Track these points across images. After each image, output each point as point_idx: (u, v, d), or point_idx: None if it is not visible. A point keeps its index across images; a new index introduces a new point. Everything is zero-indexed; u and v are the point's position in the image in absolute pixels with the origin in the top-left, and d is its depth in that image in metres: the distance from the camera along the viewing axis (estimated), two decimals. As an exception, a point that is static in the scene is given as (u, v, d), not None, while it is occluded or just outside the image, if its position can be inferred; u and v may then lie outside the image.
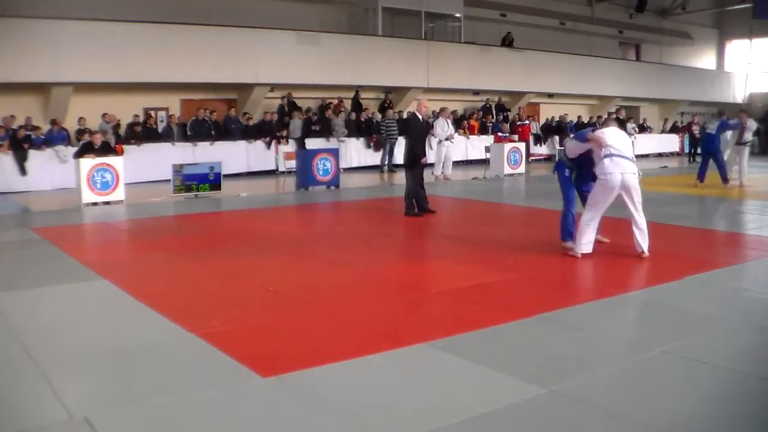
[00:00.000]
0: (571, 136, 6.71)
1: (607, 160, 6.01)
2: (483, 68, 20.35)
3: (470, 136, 19.30)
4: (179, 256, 6.73)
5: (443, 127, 14.50)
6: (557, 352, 3.78)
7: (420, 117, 9.50)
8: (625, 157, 6.06)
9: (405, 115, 17.87)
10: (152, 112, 15.62)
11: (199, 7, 16.34)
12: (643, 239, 6.20)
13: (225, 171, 12.68)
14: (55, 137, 13.63)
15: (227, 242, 7.53)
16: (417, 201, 9.27)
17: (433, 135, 14.10)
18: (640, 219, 6.17)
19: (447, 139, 14.52)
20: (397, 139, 16.47)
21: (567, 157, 6.67)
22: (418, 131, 9.39)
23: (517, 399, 3.13)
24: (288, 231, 8.40)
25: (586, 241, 6.26)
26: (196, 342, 3.97)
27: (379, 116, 18.05)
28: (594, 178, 6.31)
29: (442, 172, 14.63)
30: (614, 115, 14.71)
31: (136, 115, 15.00)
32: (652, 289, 5.13)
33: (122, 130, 14.68)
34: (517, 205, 11.07)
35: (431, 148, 14.23)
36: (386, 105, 18.54)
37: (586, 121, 22.94)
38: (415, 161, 9.26)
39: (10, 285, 5.39)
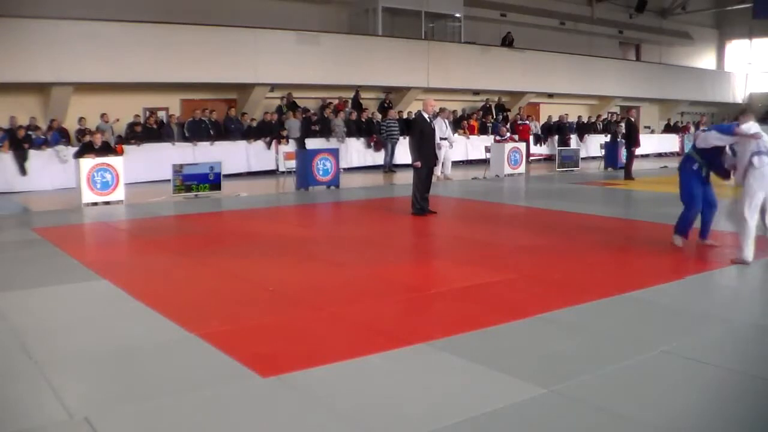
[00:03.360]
0: (704, 129, 6.60)
1: (756, 158, 5.84)
2: (483, 68, 20.35)
3: (470, 136, 19.31)
4: (179, 256, 6.73)
5: (441, 127, 14.47)
6: (557, 352, 3.78)
7: (427, 117, 9.44)
8: None
9: (406, 115, 17.91)
10: (154, 112, 15.59)
11: (199, 7, 16.34)
12: None
13: (225, 171, 12.66)
14: (50, 140, 13.61)
15: (227, 242, 7.53)
16: (419, 201, 9.25)
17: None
18: None
19: (444, 140, 14.49)
20: (398, 139, 16.45)
21: (696, 150, 6.51)
22: (425, 132, 9.29)
23: (517, 399, 3.13)
24: (288, 231, 8.40)
25: (752, 247, 5.89)
26: (196, 342, 3.97)
27: (379, 116, 18.04)
28: (725, 174, 6.35)
29: (442, 172, 14.61)
30: (627, 116, 14.88)
31: (137, 115, 15.00)
32: (652, 289, 5.12)
33: (123, 130, 14.69)
34: (517, 205, 11.06)
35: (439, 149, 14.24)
36: (386, 105, 18.53)
37: (586, 121, 22.98)
38: (415, 162, 9.24)
39: (10, 285, 5.39)
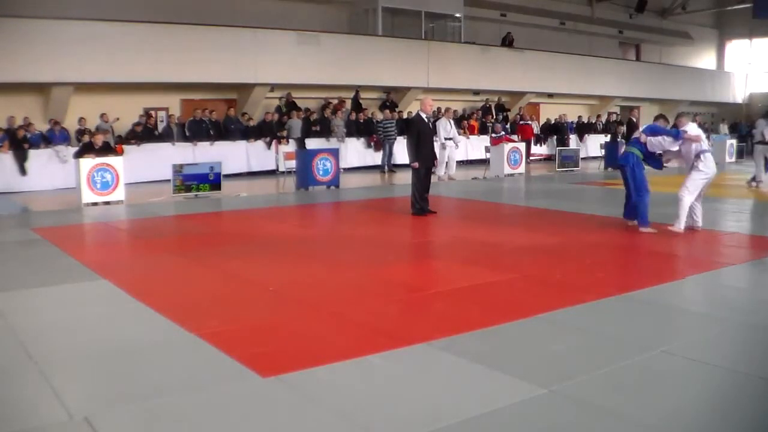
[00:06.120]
0: (656, 134, 7.70)
1: (708, 155, 7.31)
2: (483, 68, 20.36)
3: (470, 136, 19.32)
4: (179, 256, 6.73)
5: (445, 127, 14.46)
6: (557, 352, 3.78)
7: (425, 117, 9.37)
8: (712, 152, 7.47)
9: (405, 115, 17.93)
10: (152, 112, 15.62)
11: (199, 7, 16.36)
12: (699, 217, 7.56)
13: (225, 171, 12.68)
14: (57, 137, 13.64)
15: (227, 242, 7.53)
16: (418, 201, 9.24)
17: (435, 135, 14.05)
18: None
19: (450, 140, 14.47)
20: (395, 138, 16.45)
21: (642, 150, 7.67)
22: (423, 132, 9.23)
23: (517, 399, 3.13)
24: (288, 231, 8.40)
25: (685, 220, 7.36)
26: (196, 342, 3.97)
27: (379, 116, 18.05)
28: (658, 166, 7.89)
29: (446, 172, 14.59)
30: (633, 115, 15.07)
31: (141, 116, 15.01)
32: (652, 289, 5.12)
33: (124, 131, 14.70)
34: (517, 205, 11.07)
35: (444, 149, 14.25)
36: (387, 104, 18.52)
37: (585, 121, 23.00)
38: (412, 162, 9.23)
39: (10, 285, 5.39)
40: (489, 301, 4.93)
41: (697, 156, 7.31)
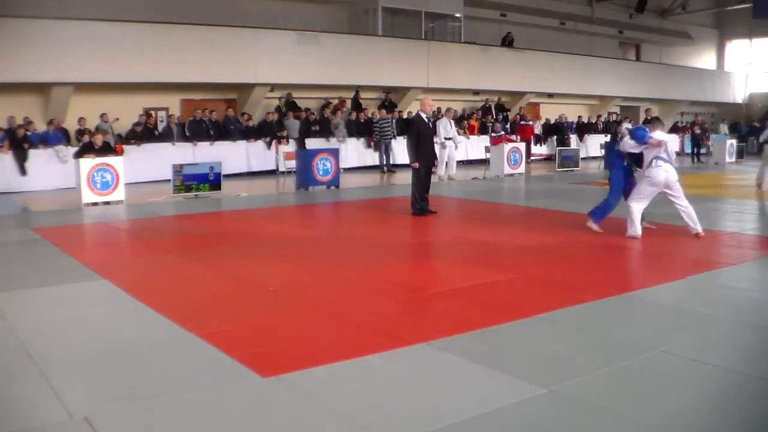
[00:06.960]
0: (628, 134, 7.72)
1: (660, 162, 7.10)
2: (483, 68, 20.36)
3: (470, 136, 19.32)
4: (179, 256, 6.73)
5: (446, 127, 14.46)
6: (557, 352, 3.78)
7: (425, 117, 9.34)
8: (668, 160, 7.18)
9: (405, 116, 17.92)
10: (152, 112, 15.62)
11: (199, 7, 16.36)
12: (692, 222, 7.24)
13: (225, 171, 12.68)
14: (51, 137, 13.64)
15: (227, 242, 7.53)
16: (418, 201, 9.24)
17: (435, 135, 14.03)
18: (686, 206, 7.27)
19: (449, 140, 14.47)
20: (391, 138, 16.45)
21: (624, 151, 7.64)
22: (423, 132, 9.21)
23: (517, 399, 3.13)
24: (288, 231, 8.40)
25: (638, 225, 7.28)
26: (196, 342, 3.97)
27: (378, 116, 18.08)
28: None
29: (446, 172, 14.59)
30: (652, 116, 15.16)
31: (141, 116, 15.00)
32: (652, 289, 5.13)
33: (124, 131, 14.70)
34: (517, 205, 11.07)
35: (444, 149, 14.24)
36: (386, 104, 18.51)
37: (585, 121, 22.99)
38: (413, 162, 9.22)
39: (10, 285, 5.39)
40: (489, 301, 4.93)
41: (650, 162, 7.19)
